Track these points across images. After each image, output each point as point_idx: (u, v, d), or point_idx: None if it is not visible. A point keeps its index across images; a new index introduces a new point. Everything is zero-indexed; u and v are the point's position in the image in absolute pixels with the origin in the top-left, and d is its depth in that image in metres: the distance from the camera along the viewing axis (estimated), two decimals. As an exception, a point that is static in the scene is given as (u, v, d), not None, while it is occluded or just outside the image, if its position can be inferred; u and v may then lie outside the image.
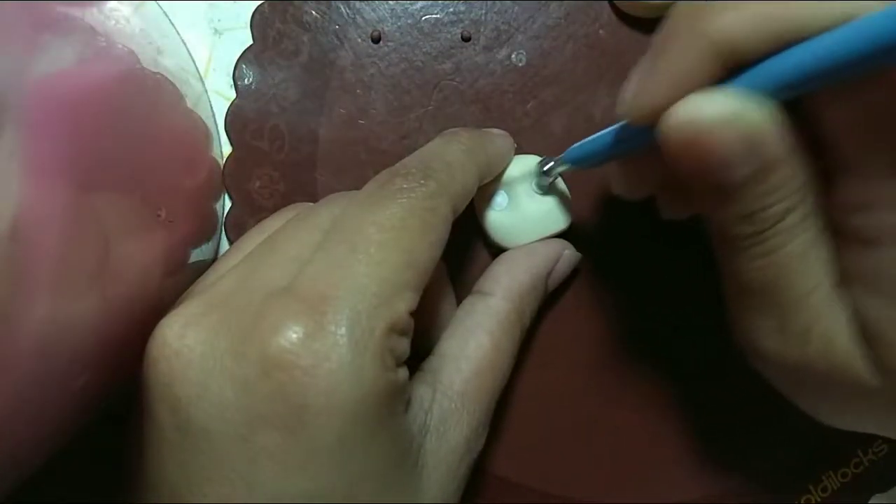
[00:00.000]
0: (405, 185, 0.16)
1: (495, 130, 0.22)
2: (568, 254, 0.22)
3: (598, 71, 0.24)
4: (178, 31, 0.24)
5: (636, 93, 0.15)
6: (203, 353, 0.15)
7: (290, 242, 0.17)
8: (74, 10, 0.16)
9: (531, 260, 0.21)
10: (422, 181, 0.17)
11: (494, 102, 0.24)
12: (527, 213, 0.22)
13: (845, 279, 0.15)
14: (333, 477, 0.14)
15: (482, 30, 0.24)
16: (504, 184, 0.22)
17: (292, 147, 0.23)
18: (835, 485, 0.23)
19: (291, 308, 0.14)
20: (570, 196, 0.22)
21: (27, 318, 0.12)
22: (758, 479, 0.23)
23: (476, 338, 0.19)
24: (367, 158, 0.23)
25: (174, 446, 0.15)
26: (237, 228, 0.23)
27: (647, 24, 0.23)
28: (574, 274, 0.23)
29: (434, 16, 0.24)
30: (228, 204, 0.23)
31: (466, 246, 0.23)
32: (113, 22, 0.18)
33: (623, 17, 0.24)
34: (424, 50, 0.24)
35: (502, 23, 0.24)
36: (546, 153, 0.22)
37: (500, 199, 0.22)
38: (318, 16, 0.24)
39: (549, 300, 0.22)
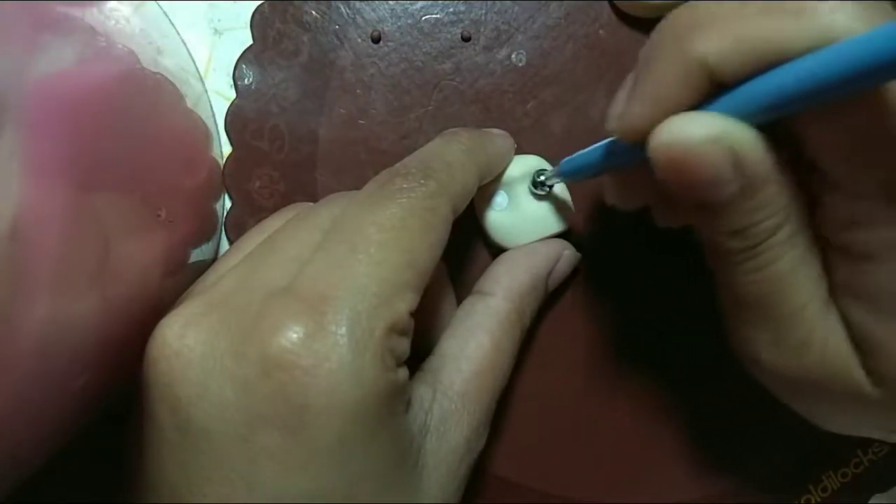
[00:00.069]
0: (405, 185, 0.16)
1: (495, 130, 0.22)
2: (568, 254, 0.22)
3: (598, 71, 0.24)
4: (178, 31, 0.24)
5: (622, 112, 0.15)
6: (203, 353, 0.15)
7: (290, 242, 0.17)
8: (74, 10, 0.16)
9: (531, 260, 0.21)
10: (422, 181, 0.17)
11: (494, 102, 0.24)
12: (527, 213, 0.22)
13: (837, 292, 0.15)
14: (334, 477, 0.14)
15: (482, 30, 0.24)
16: (504, 184, 0.22)
17: (292, 147, 0.23)
18: (835, 485, 0.23)
19: (291, 308, 0.14)
20: (570, 196, 0.22)
21: (27, 318, 0.12)
22: (757, 479, 0.23)
23: (476, 338, 0.19)
24: (367, 158, 0.23)
25: (174, 446, 0.15)
26: (237, 228, 0.23)
27: (647, 24, 0.23)
28: (574, 274, 0.23)
29: (434, 16, 0.24)
30: (228, 204, 0.23)
31: (466, 246, 0.23)
32: (113, 22, 0.18)
33: (623, 17, 0.24)
34: (424, 50, 0.24)
35: (502, 23, 0.24)
36: (546, 153, 0.22)
37: (500, 199, 0.22)
38: (318, 16, 0.24)
39: (549, 300, 0.22)
